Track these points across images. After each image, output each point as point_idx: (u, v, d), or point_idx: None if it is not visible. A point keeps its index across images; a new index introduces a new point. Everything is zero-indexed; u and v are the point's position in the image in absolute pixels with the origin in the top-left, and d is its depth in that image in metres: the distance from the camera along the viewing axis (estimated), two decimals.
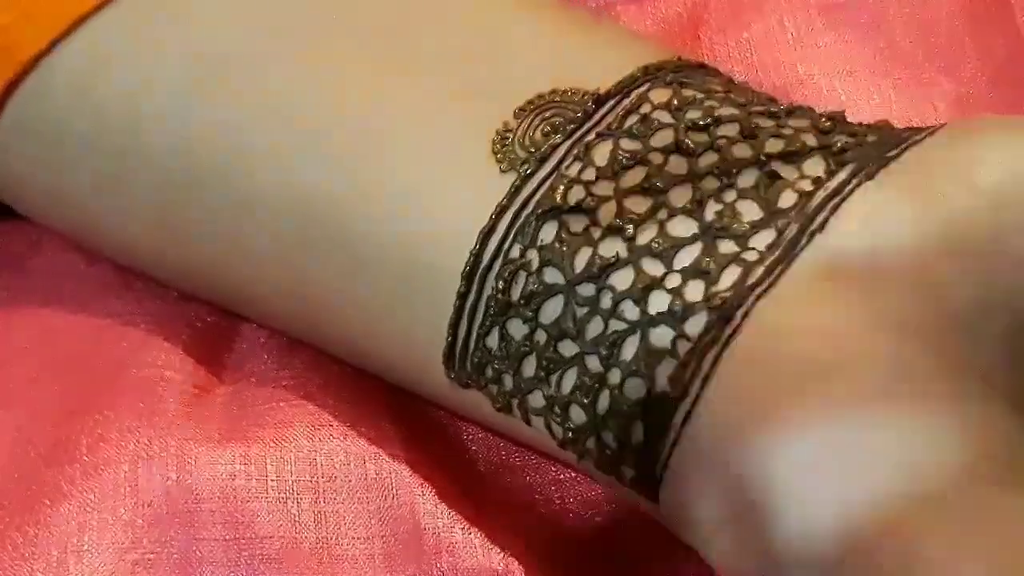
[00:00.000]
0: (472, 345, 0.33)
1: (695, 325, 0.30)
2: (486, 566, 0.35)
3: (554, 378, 0.32)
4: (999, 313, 0.30)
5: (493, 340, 0.33)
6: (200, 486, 0.36)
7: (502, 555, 0.35)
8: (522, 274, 0.32)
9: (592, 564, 0.37)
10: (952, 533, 0.27)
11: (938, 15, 0.41)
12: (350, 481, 0.36)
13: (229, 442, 0.37)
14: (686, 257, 0.31)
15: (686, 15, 0.42)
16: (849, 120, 0.33)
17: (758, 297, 0.30)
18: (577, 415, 0.32)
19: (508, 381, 0.33)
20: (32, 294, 0.42)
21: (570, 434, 0.32)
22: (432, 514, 0.36)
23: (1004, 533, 0.27)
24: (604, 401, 0.31)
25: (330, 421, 0.37)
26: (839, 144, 0.32)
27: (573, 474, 0.38)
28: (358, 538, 0.36)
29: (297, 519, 0.36)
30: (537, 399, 0.32)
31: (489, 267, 0.32)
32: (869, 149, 0.31)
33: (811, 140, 0.32)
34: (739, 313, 0.30)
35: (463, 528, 0.35)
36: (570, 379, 0.32)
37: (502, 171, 0.33)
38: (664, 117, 0.33)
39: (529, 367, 0.32)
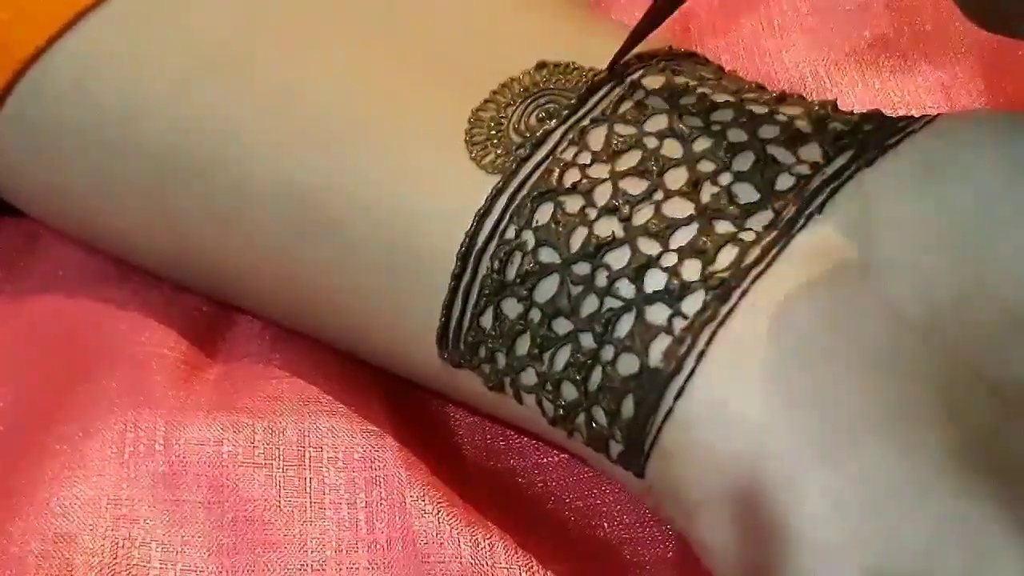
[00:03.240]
0: (466, 325, 0.33)
1: (692, 303, 0.31)
2: (470, 541, 0.35)
3: (547, 356, 0.32)
4: (988, 302, 0.30)
5: (487, 319, 0.33)
6: (187, 451, 0.37)
7: (486, 533, 0.35)
8: (517, 254, 0.33)
9: (573, 545, 0.37)
10: None
11: (924, 1, 0.41)
12: (337, 453, 0.37)
13: (218, 412, 0.37)
14: (682, 237, 0.31)
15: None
16: (841, 108, 0.33)
17: (755, 277, 0.31)
18: (569, 392, 0.32)
19: (501, 360, 0.33)
20: (30, 285, 0.43)
21: (561, 411, 0.32)
22: (419, 486, 0.36)
23: None
24: (596, 377, 0.32)
25: (319, 397, 0.38)
26: (835, 131, 0.32)
27: (556, 458, 0.38)
28: (342, 502, 0.36)
29: (282, 485, 0.36)
30: (529, 377, 0.33)
31: (484, 248, 0.33)
32: (866, 136, 0.32)
33: (806, 126, 0.32)
34: (736, 293, 0.30)
35: (448, 503, 0.36)
36: (563, 356, 0.32)
37: (497, 156, 0.34)
38: (658, 103, 0.33)
39: (523, 345, 0.33)
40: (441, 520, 0.36)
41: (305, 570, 0.35)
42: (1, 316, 0.42)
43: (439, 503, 0.36)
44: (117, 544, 0.35)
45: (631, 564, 0.36)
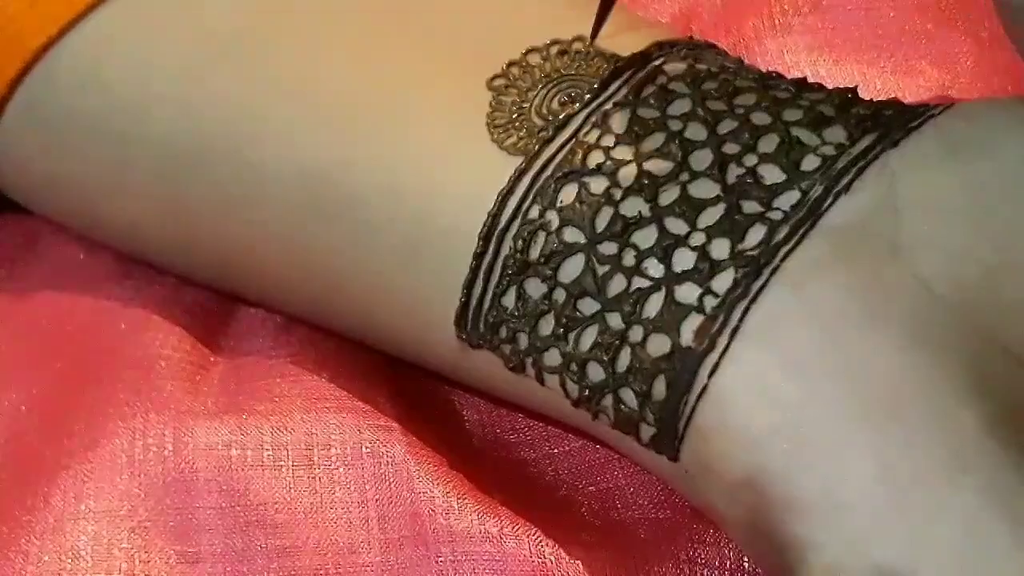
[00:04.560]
0: (487, 304, 0.34)
1: (723, 282, 0.31)
2: (481, 530, 0.35)
3: (572, 336, 0.32)
4: (1015, 277, 0.31)
5: (509, 299, 0.33)
6: (196, 456, 0.37)
7: (496, 520, 0.35)
8: (541, 234, 0.33)
9: (587, 529, 0.37)
10: None
11: (926, 1, 0.42)
12: (345, 449, 0.37)
13: (225, 415, 0.37)
14: (710, 216, 0.32)
15: (679, 10, 0.43)
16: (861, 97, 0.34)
17: (785, 255, 0.31)
18: (595, 372, 0.32)
19: (523, 340, 0.33)
20: (31, 284, 0.43)
21: (586, 392, 0.32)
22: (428, 479, 0.36)
23: None
24: (625, 358, 0.32)
25: (325, 395, 0.38)
26: (858, 114, 0.33)
27: (567, 447, 0.38)
28: (353, 502, 0.36)
29: (292, 486, 0.36)
30: (553, 357, 0.33)
31: (507, 228, 0.33)
32: (888, 119, 0.32)
33: (829, 110, 0.33)
34: (767, 270, 0.31)
35: (459, 494, 0.36)
36: (589, 336, 0.32)
37: (519, 138, 0.34)
38: (681, 88, 0.34)
39: (546, 325, 0.33)
40: (452, 512, 0.36)
41: (319, 572, 0.36)
42: (2, 315, 0.42)
43: (449, 496, 0.36)
44: (133, 556, 0.36)
45: (646, 544, 0.36)
